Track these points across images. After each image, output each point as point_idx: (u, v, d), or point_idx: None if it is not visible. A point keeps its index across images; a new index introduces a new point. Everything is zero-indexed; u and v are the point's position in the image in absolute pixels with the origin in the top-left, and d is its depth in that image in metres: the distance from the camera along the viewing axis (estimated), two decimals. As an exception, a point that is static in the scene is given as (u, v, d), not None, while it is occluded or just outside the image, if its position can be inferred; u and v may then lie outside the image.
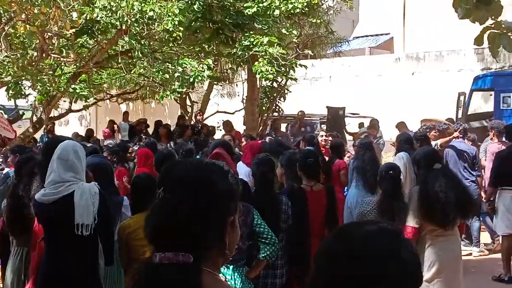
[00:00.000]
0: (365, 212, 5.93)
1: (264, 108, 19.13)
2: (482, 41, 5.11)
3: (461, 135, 10.42)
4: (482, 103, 18.90)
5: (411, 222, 5.67)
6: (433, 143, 9.99)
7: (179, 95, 15.02)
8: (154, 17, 11.38)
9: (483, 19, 5.29)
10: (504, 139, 10.03)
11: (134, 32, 12.04)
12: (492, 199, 9.31)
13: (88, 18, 11.77)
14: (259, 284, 5.42)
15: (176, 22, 11.47)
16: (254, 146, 9.88)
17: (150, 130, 19.14)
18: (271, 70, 12.82)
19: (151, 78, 14.76)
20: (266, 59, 12.82)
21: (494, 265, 9.30)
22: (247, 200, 5.19)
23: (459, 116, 17.12)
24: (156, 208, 1.91)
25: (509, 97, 16.29)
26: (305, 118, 17.87)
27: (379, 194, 6.31)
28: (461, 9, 5.26)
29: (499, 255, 9.42)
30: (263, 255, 4.94)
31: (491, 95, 17.30)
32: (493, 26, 5.10)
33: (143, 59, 13.56)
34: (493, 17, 5.23)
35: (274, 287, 5.58)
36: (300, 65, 15.42)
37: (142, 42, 12.71)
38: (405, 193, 6.08)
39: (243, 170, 7.99)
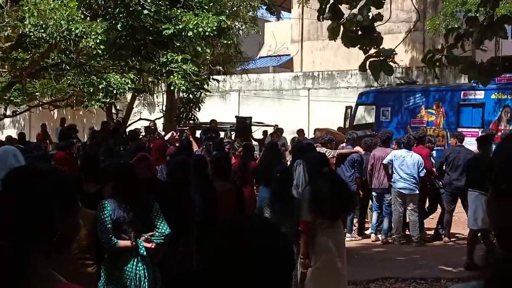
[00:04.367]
0: (262, 207, 5.93)
1: (181, 116, 18.98)
2: (366, 68, 5.24)
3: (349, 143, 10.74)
4: (365, 115, 19.50)
5: (304, 217, 5.70)
6: (332, 151, 10.24)
7: (103, 105, 14.70)
8: (80, 35, 11.04)
9: (367, 48, 5.43)
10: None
11: (63, 47, 11.65)
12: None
13: (21, 33, 11.33)
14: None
15: (98, 41, 11.17)
16: (159, 146, 9.81)
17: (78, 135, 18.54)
18: (184, 84, 12.78)
19: (79, 88, 14.40)
20: (180, 74, 12.74)
21: (372, 252, 9.62)
22: (161, 196, 5.15)
23: (347, 126, 17.54)
24: None
25: (388, 110, 16.85)
26: (217, 125, 17.81)
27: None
28: (347, 39, 5.37)
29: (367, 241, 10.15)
30: (153, 238, 4.80)
31: (373, 108, 17.83)
32: (374, 54, 5.23)
33: (71, 71, 13.20)
34: (375, 47, 5.37)
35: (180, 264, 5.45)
36: (213, 79, 15.41)
37: (70, 56, 12.36)
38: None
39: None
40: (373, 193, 10.47)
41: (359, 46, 5.38)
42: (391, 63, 5.28)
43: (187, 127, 18.28)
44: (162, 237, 4.79)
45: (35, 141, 17.11)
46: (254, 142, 17.46)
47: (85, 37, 11.21)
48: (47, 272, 1.70)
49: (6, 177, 1.80)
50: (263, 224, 1.62)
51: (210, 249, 1.55)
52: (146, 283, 4.68)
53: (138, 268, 4.66)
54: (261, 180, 7.56)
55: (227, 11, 17.74)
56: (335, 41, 5.64)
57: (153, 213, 4.82)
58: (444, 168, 10.20)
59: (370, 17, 5.22)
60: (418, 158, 9.89)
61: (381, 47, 5.32)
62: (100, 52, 11.97)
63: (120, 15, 12.86)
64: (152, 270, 4.79)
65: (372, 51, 5.31)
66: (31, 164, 5.49)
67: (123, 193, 4.69)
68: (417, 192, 9.92)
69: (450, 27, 11.26)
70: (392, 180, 10.01)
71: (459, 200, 10.00)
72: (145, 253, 4.70)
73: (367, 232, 10.87)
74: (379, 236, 10.32)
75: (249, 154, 9.55)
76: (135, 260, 4.67)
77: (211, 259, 1.52)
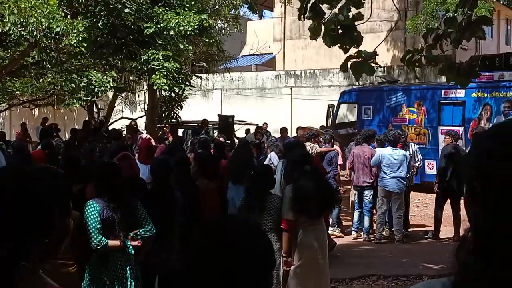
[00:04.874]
0: (241, 206, 5.92)
1: (163, 115, 18.92)
2: (347, 68, 5.28)
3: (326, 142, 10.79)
4: (348, 113, 19.60)
5: (287, 216, 5.71)
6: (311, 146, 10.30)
7: (85, 103, 14.60)
8: (61, 33, 10.93)
9: (348, 47, 5.47)
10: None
11: (43, 46, 11.54)
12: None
13: (0, 31, 11.21)
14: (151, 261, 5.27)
15: (80, 38, 11.07)
16: (147, 145, 9.70)
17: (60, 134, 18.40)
18: (166, 82, 12.72)
19: (60, 86, 14.28)
20: (162, 72, 12.68)
21: (354, 250, 9.69)
22: (144, 194, 5.19)
23: (329, 124, 17.60)
24: None
25: (369, 109, 16.94)
26: (207, 125, 17.75)
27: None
28: (329, 38, 5.40)
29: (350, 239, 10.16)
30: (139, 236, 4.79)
31: (355, 107, 17.92)
32: (355, 54, 5.27)
33: (52, 70, 13.09)
34: (355, 46, 5.41)
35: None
36: (196, 76, 15.35)
37: (51, 55, 12.25)
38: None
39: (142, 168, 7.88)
40: (353, 191, 10.54)
41: (339, 45, 5.42)
42: (372, 64, 5.34)
43: (167, 125, 18.30)
44: (148, 233, 4.79)
45: (15, 139, 16.96)
46: (236, 141, 17.49)
47: (66, 35, 11.10)
48: (39, 274, 1.71)
49: (1, 178, 1.80)
50: (244, 224, 1.64)
51: (194, 248, 1.56)
52: (133, 283, 4.68)
53: (125, 268, 4.67)
54: (232, 178, 7.44)
55: (209, 9, 17.71)
56: (316, 40, 5.67)
57: (137, 212, 4.81)
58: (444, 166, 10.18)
59: (350, 16, 5.26)
60: (405, 156, 9.91)
61: (362, 46, 5.38)
62: (83, 50, 11.86)
63: (101, 13, 12.77)
64: (135, 269, 4.79)
65: (353, 50, 5.35)
66: (14, 163, 5.46)
67: (107, 192, 4.67)
68: (404, 189, 9.89)
69: (430, 26, 11.38)
70: (379, 178, 9.95)
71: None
72: (133, 251, 4.70)
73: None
74: (361, 233, 10.37)
75: (219, 152, 9.36)
76: (123, 259, 4.68)
77: (195, 258, 1.53)
